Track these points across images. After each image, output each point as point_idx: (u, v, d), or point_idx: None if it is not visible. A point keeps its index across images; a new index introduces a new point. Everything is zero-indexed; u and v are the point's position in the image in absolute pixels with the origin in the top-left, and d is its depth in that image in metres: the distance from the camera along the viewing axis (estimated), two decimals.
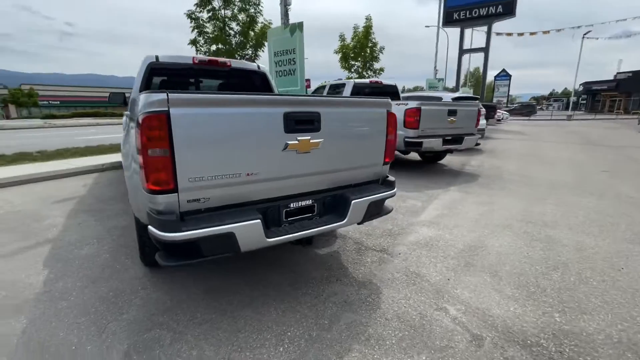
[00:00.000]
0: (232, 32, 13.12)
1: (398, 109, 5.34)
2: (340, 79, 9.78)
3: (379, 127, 2.26)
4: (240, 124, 1.67)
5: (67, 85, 63.57)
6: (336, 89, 7.54)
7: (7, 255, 2.71)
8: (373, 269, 2.52)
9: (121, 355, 1.64)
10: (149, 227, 1.57)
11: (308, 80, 18.31)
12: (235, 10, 12.91)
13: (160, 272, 2.43)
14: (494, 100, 31.52)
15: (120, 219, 3.51)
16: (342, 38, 17.76)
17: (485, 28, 21.90)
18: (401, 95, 7.97)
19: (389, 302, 2.10)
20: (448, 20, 23.55)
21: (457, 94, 9.89)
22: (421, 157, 7.45)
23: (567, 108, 49.15)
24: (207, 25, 12.86)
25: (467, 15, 22.41)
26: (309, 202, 2.02)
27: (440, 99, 8.44)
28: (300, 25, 5.94)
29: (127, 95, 3.58)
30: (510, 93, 37.33)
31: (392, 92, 7.38)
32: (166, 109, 1.45)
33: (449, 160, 7.49)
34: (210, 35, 12.86)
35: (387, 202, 2.40)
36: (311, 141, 1.88)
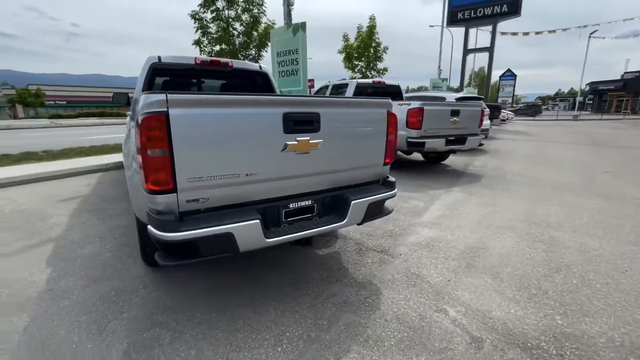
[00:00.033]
0: (235, 33, 13.20)
1: (400, 109, 5.32)
2: (344, 79, 9.78)
3: (379, 127, 2.25)
4: (240, 124, 1.67)
5: (73, 86, 64.39)
6: (339, 89, 7.54)
7: (11, 253, 2.74)
8: (373, 270, 2.52)
9: (121, 354, 1.65)
10: (148, 226, 1.58)
11: (311, 80, 18.35)
12: (239, 11, 12.99)
13: (161, 272, 2.44)
14: (499, 100, 31.28)
15: (123, 219, 3.54)
16: (345, 38, 17.81)
17: (490, 28, 21.78)
18: (405, 95, 7.94)
19: (389, 303, 2.09)
20: (452, 19, 23.47)
21: (461, 94, 9.84)
22: (424, 157, 7.42)
23: (573, 108, 48.70)
24: (211, 25, 12.95)
25: (472, 15, 22.33)
26: (308, 202, 2.01)
27: (443, 99, 8.39)
28: (303, 26, 5.94)
29: (130, 95, 3.60)
30: (515, 93, 37.10)
31: (395, 92, 7.35)
32: (165, 109, 1.46)
33: (452, 160, 7.45)
34: (214, 36, 12.94)
35: (388, 203, 2.39)
36: (310, 142, 1.88)
